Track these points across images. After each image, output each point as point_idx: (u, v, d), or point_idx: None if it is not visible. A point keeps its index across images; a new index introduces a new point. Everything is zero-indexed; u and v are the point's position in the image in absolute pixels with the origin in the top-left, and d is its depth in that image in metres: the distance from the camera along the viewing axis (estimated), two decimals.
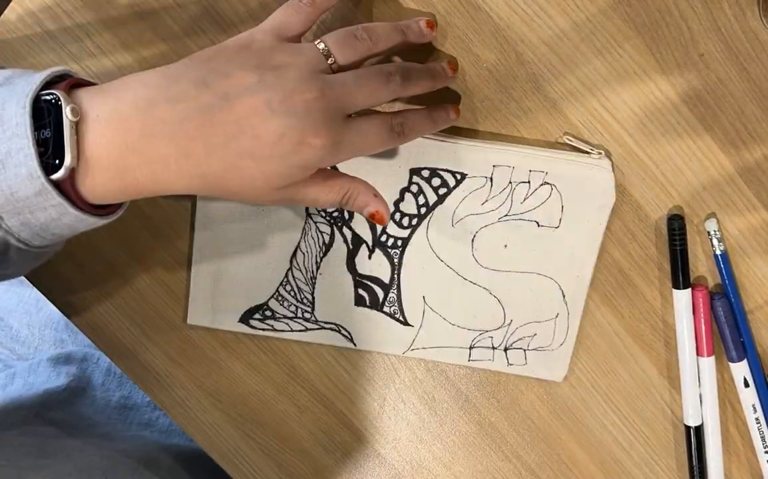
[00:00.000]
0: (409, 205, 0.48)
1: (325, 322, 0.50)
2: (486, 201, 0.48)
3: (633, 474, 0.53)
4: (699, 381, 0.50)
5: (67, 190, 0.36)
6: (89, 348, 0.66)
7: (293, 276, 0.49)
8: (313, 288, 0.49)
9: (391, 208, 0.48)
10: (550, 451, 0.53)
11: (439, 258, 0.49)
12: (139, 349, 0.51)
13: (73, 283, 0.49)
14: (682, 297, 0.49)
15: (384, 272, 0.49)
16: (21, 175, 0.35)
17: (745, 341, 0.50)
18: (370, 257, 0.49)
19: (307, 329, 0.50)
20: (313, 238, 0.48)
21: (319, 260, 0.49)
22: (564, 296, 0.49)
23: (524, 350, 0.51)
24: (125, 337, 0.50)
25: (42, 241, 0.38)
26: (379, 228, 0.48)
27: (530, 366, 0.51)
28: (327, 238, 0.49)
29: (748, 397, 0.50)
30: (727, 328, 0.49)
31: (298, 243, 0.49)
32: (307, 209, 0.48)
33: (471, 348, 0.51)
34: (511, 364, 0.51)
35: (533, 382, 0.52)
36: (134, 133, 0.36)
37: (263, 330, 0.50)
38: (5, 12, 0.45)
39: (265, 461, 0.53)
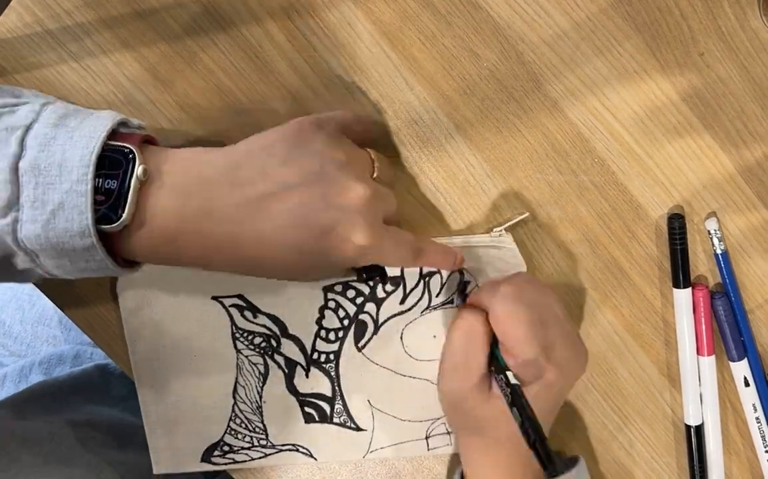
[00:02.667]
0: (331, 321, 0.49)
1: (282, 445, 0.51)
2: (403, 299, 0.49)
3: (633, 474, 0.53)
4: (699, 380, 0.50)
5: (110, 242, 0.37)
6: (81, 346, 0.66)
7: (240, 410, 0.50)
8: (262, 416, 0.50)
9: (315, 327, 0.49)
10: None
11: (372, 361, 0.50)
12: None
13: (75, 284, 0.49)
14: (683, 297, 0.49)
15: (324, 387, 0.50)
16: (71, 230, 0.35)
17: (746, 340, 0.50)
18: (307, 376, 0.50)
19: (266, 455, 0.51)
20: (248, 371, 0.49)
21: (259, 390, 0.50)
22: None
23: None
24: (120, 330, 0.50)
25: (67, 276, 0.38)
26: (308, 347, 0.49)
27: None
28: (262, 368, 0.49)
29: (749, 396, 0.50)
30: (728, 327, 0.49)
31: (236, 378, 0.49)
32: (234, 345, 0.49)
33: (428, 437, 0.51)
34: None
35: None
36: (193, 208, 0.37)
37: (226, 465, 0.51)
38: (5, 12, 0.45)
39: None
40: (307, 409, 0.50)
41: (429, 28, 0.46)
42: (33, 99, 0.39)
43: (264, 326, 0.49)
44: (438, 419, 0.51)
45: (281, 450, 0.51)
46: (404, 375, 0.50)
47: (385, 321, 0.49)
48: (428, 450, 0.51)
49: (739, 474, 0.53)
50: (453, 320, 0.46)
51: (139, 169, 0.36)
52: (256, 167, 0.38)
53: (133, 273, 0.40)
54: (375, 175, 0.42)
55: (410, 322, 0.49)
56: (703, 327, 0.49)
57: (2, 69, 0.45)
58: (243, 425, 0.50)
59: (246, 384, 0.49)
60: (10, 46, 0.45)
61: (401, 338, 0.49)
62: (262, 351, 0.49)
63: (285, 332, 0.49)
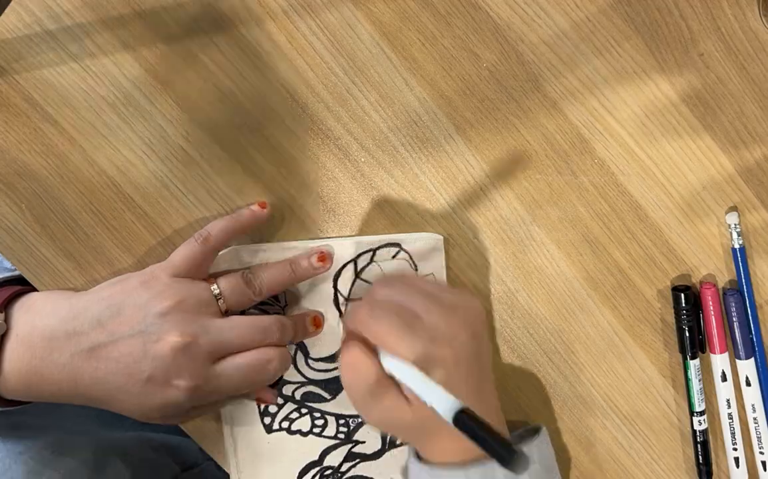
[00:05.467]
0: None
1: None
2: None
3: (633, 474, 0.53)
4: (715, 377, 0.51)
5: None
6: None
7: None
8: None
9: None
10: None
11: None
12: None
13: (72, 283, 0.49)
14: (694, 365, 0.50)
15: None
16: None
17: (755, 338, 0.50)
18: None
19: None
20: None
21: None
22: None
23: None
24: None
25: None
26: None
27: None
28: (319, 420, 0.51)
29: (749, 396, 0.50)
30: (738, 325, 0.49)
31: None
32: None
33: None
34: None
35: (533, 382, 0.52)
36: (37, 359, 0.42)
37: None
38: (5, 12, 0.45)
39: None
40: (398, 443, 0.51)
41: (428, 29, 0.46)
42: None
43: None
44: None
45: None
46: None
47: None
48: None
49: (740, 474, 0.53)
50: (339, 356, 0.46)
51: None
52: (91, 318, 0.43)
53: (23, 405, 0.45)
54: (221, 304, 0.44)
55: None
56: (714, 323, 0.49)
57: (2, 69, 0.45)
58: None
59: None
60: (10, 46, 0.45)
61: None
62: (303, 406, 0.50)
63: (318, 462, 0.50)
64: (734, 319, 0.49)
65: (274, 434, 0.50)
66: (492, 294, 0.50)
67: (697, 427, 0.51)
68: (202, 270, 0.45)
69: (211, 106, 0.47)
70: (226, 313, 0.45)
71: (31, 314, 0.44)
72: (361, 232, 0.49)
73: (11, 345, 0.43)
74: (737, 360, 0.50)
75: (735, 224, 0.48)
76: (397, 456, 0.51)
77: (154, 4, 0.45)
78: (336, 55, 0.47)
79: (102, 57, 0.46)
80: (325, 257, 0.47)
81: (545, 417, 0.52)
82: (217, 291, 0.44)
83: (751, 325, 0.50)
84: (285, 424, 0.50)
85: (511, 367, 0.52)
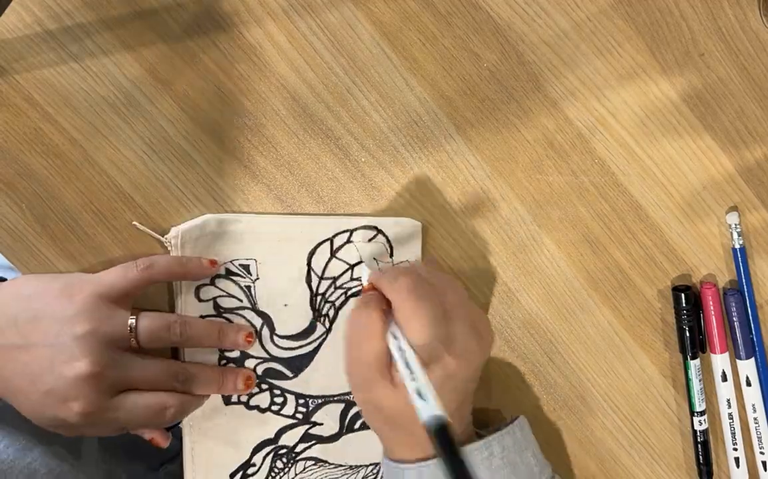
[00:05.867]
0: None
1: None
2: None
3: (633, 474, 0.53)
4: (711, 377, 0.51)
5: None
6: None
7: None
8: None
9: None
10: (550, 451, 0.53)
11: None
12: None
13: None
14: (695, 365, 0.50)
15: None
16: None
17: (755, 338, 0.50)
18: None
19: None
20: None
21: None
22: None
23: None
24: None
25: None
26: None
27: None
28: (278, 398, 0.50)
29: (750, 396, 0.50)
30: (739, 325, 0.49)
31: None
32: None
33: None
34: None
35: (533, 381, 0.52)
36: None
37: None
38: (5, 12, 0.45)
39: None
40: (356, 427, 0.51)
41: (429, 29, 0.46)
42: None
43: (264, 457, 0.50)
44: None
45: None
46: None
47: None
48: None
49: (741, 474, 0.53)
50: (353, 307, 0.44)
51: None
52: (8, 317, 0.43)
53: None
54: (133, 343, 0.44)
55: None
56: (714, 323, 0.50)
57: (2, 69, 0.45)
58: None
59: (326, 474, 0.51)
60: (10, 46, 0.45)
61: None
62: (291, 461, 0.50)
63: (273, 440, 0.50)
64: (735, 319, 0.49)
65: (231, 406, 0.49)
66: (492, 294, 0.50)
67: (697, 427, 0.51)
68: (129, 299, 0.45)
69: (211, 106, 0.47)
70: (139, 348, 0.44)
71: None
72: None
73: None
74: (738, 360, 0.50)
75: (735, 224, 0.48)
76: (353, 442, 0.51)
77: (154, 4, 0.45)
78: (336, 55, 0.46)
79: (102, 57, 0.46)
80: (252, 338, 0.48)
81: (545, 417, 0.52)
82: (132, 324, 0.44)
83: (752, 325, 0.50)
84: (243, 398, 0.50)
85: (511, 367, 0.52)
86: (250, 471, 0.50)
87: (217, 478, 0.50)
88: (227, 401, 0.49)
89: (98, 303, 0.43)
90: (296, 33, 0.46)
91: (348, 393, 0.50)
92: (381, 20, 0.46)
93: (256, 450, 0.50)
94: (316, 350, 0.49)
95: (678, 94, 0.47)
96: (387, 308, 0.42)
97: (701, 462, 0.51)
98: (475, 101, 0.47)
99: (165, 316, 0.45)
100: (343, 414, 0.50)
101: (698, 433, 0.51)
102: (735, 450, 0.51)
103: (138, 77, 0.46)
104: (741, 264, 0.49)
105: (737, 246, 0.49)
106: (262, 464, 0.50)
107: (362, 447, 0.51)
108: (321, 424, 0.50)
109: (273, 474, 0.50)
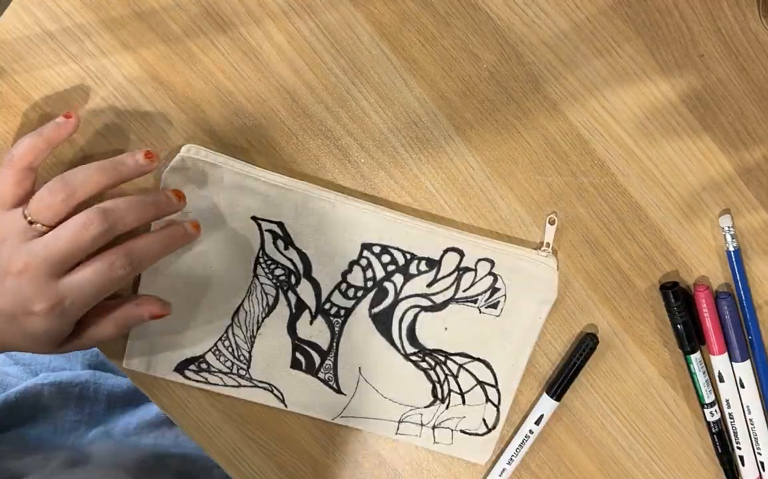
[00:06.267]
0: (356, 277, 0.49)
1: (259, 381, 0.50)
2: (432, 283, 0.49)
3: (633, 475, 0.53)
4: (716, 378, 0.51)
5: None
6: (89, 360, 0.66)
7: (233, 333, 0.49)
8: (251, 346, 0.50)
9: (339, 279, 0.49)
10: (550, 452, 0.53)
11: (379, 332, 0.50)
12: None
13: None
14: (694, 360, 0.50)
15: (323, 339, 0.50)
16: None
17: (754, 339, 0.50)
18: (311, 323, 0.49)
19: (240, 385, 0.50)
20: (257, 298, 0.49)
21: (260, 320, 0.49)
22: (497, 383, 0.51)
23: (452, 430, 0.52)
24: (122, 338, 0.50)
25: None
26: (324, 295, 0.49)
27: (455, 447, 0.52)
28: (271, 300, 0.49)
29: (745, 398, 0.50)
30: (733, 328, 0.49)
31: (242, 301, 0.49)
32: (254, 269, 0.48)
33: (399, 422, 0.52)
34: (437, 442, 0.52)
35: (533, 382, 0.52)
36: None
37: (196, 382, 0.50)
38: (5, 12, 0.45)
39: (265, 462, 0.52)
40: (297, 355, 0.50)
41: (428, 30, 0.46)
42: None
43: (290, 260, 0.48)
44: (417, 408, 0.51)
45: (256, 386, 0.50)
46: (403, 355, 0.50)
47: (406, 297, 0.49)
48: (396, 434, 0.52)
49: (749, 473, 0.53)
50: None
51: None
52: None
53: None
54: (39, 227, 0.41)
55: (429, 306, 0.49)
56: (710, 326, 0.49)
57: (2, 69, 0.45)
58: (230, 349, 0.50)
59: (250, 310, 0.49)
60: (9, 46, 0.45)
61: (414, 318, 0.49)
62: (278, 284, 0.49)
63: (308, 273, 0.49)
64: (728, 322, 0.49)
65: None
66: None
67: (709, 418, 0.51)
68: (16, 195, 0.42)
69: (211, 106, 0.47)
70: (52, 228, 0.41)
71: None
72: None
73: None
74: (733, 363, 0.50)
75: (729, 226, 0.48)
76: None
77: (153, 5, 0.45)
78: (336, 56, 0.47)
79: (102, 58, 0.46)
80: (152, 155, 0.44)
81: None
82: (26, 214, 0.41)
83: (748, 327, 0.50)
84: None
85: None
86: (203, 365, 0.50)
87: (164, 363, 0.50)
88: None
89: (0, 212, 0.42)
90: (296, 34, 0.46)
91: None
92: (380, 21, 0.46)
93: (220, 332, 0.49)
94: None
95: (677, 95, 0.47)
96: None
97: (719, 452, 0.51)
98: (474, 102, 0.47)
99: (44, 187, 0.42)
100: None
101: (711, 425, 0.51)
102: (739, 449, 0.51)
103: (138, 78, 0.46)
104: (735, 266, 0.49)
105: (731, 248, 0.49)
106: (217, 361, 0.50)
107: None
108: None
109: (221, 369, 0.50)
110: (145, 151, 0.44)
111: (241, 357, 0.50)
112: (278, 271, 0.48)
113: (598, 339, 0.50)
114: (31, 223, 0.41)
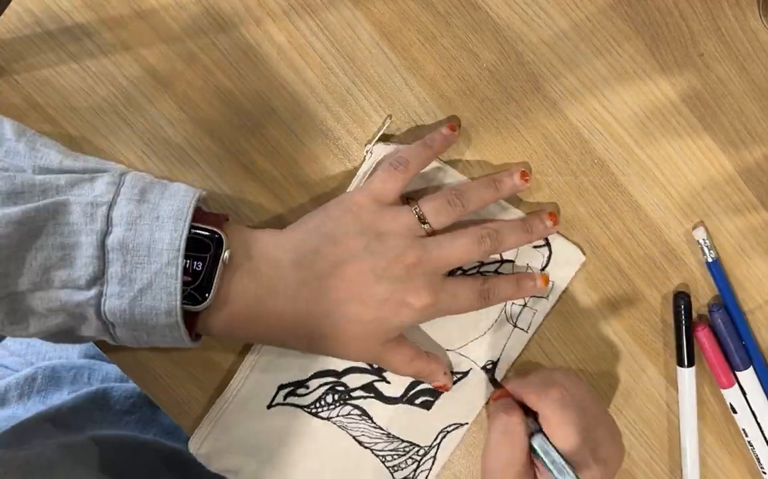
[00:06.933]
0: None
1: (430, 444, 0.51)
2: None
3: (633, 474, 0.53)
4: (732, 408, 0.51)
5: (189, 319, 0.39)
6: (86, 353, 0.66)
7: (379, 451, 0.50)
8: (398, 436, 0.50)
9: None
10: None
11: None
12: (138, 349, 0.50)
13: None
14: (686, 375, 0.50)
15: (400, 380, 0.50)
16: (158, 309, 0.37)
17: (749, 347, 0.50)
18: (388, 382, 0.49)
19: (434, 459, 0.51)
20: (351, 420, 0.50)
21: (373, 423, 0.50)
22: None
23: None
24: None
25: (134, 346, 0.40)
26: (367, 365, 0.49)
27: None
28: (356, 412, 0.50)
29: (740, 422, 0.51)
30: (729, 338, 0.49)
31: (352, 436, 0.50)
32: (319, 417, 0.49)
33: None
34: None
35: None
36: (263, 288, 0.41)
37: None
38: (5, 12, 0.45)
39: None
40: (417, 402, 0.50)
41: (428, 29, 0.46)
42: (107, 166, 0.41)
43: (320, 385, 0.49)
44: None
45: (433, 446, 0.51)
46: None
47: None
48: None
49: None
50: (490, 414, 0.47)
51: (225, 254, 0.39)
52: (312, 249, 0.42)
53: (196, 345, 0.42)
54: (427, 228, 0.44)
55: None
56: (715, 361, 0.49)
57: (2, 69, 0.45)
58: (395, 457, 0.50)
59: (363, 429, 0.50)
60: (10, 46, 0.45)
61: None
62: (341, 401, 0.49)
63: (338, 374, 0.49)
64: (724, 334, 0.49)
65: None
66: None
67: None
68: (398, 198, 0.45)
69: (211, 106, 0.47)
70: (432, 234, 0.44)
71: (252, 246, 0.42)
72: None
73: (236, 275, 0.41)
74: (736, 372, 0.50)
75: (704, 239, 0.48)
76: (405, 414, 0.50)
77: (153, 4, 0.45)
78: (336, 55, 0.47)
79: (102, 57, 0.46)
80: (527, 175, 0.46)
81: None
82: (418, 212, 0.44)
83: (740, 334, 0.50)
84: None
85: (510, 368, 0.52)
86: (301, 390, 0.49)
87: (268, 385, 0.49)
88: None
89: (380, 207, 0.43)
90: (296, 33, 0.46)
91: None
92: (380, 20, 0.46)
93: (317, 376, 0.49)
94: None
95: (677, 94, 0.47)
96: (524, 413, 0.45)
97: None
98: (474, 101, 0.47)
99: (438, 193, 0.45)
100: (412, 384, 0.49)
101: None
102: (764, 474, 0.51)
103: (138, 77, 0.46)
104: (717, 276, 0.49)
105: (710, 259, 0.49)
106: (314, 390, 0.49)
107: (410, 422, 0.50)
108: (389, 382, 0.49)
109: (319, 404, 0.49)
110: (521, 171, 0.46)
111: (406, 448, 0.50)
112: (328, 398, 0.49)
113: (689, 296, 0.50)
114: (421, 221, 0.43)
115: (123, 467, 0.54)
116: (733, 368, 0.50)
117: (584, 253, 0.49)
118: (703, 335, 0.49)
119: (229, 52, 0.46)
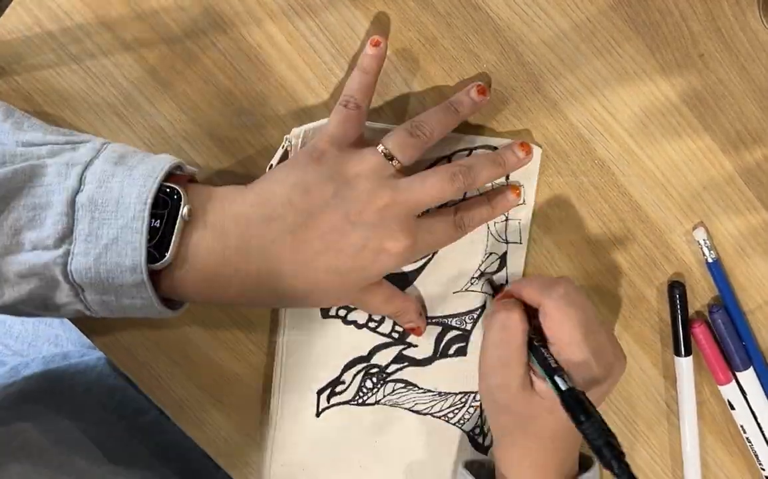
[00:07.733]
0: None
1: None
2: None
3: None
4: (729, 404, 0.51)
5: (155, 280, 0.38)
6: (83, 348, 0.66)
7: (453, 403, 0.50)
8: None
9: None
10: None
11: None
12: (138, 349, 0.50)
13: None
14: (684, 365, 0.50)
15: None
16: (123, 265, 0.36)
17: (749, 348, 0.50)
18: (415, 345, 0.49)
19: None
20: (405, 395, 0.50)
21: (420, 390, 0.50)
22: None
23: None
24: (123, 337, 0.50)
25: (107, 315, 0.39)
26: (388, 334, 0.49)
27: None
28: (401, 385, 0.50)
29: (738, 418, 0.51)
30: (729, 339, 0.49)
31: (410, 408, 0.50)
32: (366, 403, 0.49)
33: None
34: None
35: None
36: (231, 247, 0.39)
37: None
38: (5, 12, 0.45)
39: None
40: (450, 352, 0.50)
41: (428, 29, 0.46)
42: (94, 138, 0.41)
43: (355, 375, 0.49)
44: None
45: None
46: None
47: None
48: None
49: None
50: (489, 314, 0.46)
51: (184, 210, 0.38)
52: (282, 201, 0.40)
53: (177, 314, 0.41)
54: (395, 163, 0.42)
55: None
56: (712, 358, 0.49)
57: (2, 70, 0.45)
58: (455, 412, 0.50)
59: (414, 399, 0.50)
60: (10, 47, 0.45)
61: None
62: (380, 382, 0.49)
63: (366, 358, 0.49)
64: (725, 336, 0.49)
65: (329, 320, 0.49)
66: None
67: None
68: (358, 137, 0.43)
69: (211, 106, 0.47)
70: (401, 172, 0.42)
71: (217, 203, 0.40)
72: None
73: (198, 233, 0.39)
74: (737, 372, 0.50)
75: (704, 240, 0.48)
76: (444, 367, 0.49)
77: (154, 5, 0.45)
78: (336, 55, 0.47)
79: (102, 57, 0.46)
80: (484, 89, 0.45)
81: None
82: (384, 150, 0.42)
83: (740, 334, 0.50)
84: (342, 312, 0.49)
85: None
86: (339, 388, 0.49)
87: (306, 395, 0.49)
88: (325, 314, 0.49)
89: (343, 151, 0.42)
90: (296, 33, 0.46)
91: (447, 317, 0.49)
92: (380, 21, 0.46)
93: (347, 367, 0.49)
94: (419, 270, 0.48)
95: (678, 94, 0.47)
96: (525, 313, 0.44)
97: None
98: None
99: (398, 128, 0.43)
100: (440, 337, 0.49)
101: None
102: (763, 470, 0.51)
103: (138, 78, 0.46)
104: (717, 277, 0.49)
105: (710, 260, 0.49)
106: (351, 382, 0.49)
107: (454, 373, 0.49)
108: (415, 346, 0.49)
109: (362, 393, 0.49)
110: (477, 85, 0.45)
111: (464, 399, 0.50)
112: (368, 383, 0.50)
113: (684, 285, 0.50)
114: (389, 159, 0.42)
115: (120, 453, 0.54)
116: (734, 368, 0.50)
117: (539, 146, 0.48)
118: (699, 331, 0.49)
119: (229, 52, 0.46)
